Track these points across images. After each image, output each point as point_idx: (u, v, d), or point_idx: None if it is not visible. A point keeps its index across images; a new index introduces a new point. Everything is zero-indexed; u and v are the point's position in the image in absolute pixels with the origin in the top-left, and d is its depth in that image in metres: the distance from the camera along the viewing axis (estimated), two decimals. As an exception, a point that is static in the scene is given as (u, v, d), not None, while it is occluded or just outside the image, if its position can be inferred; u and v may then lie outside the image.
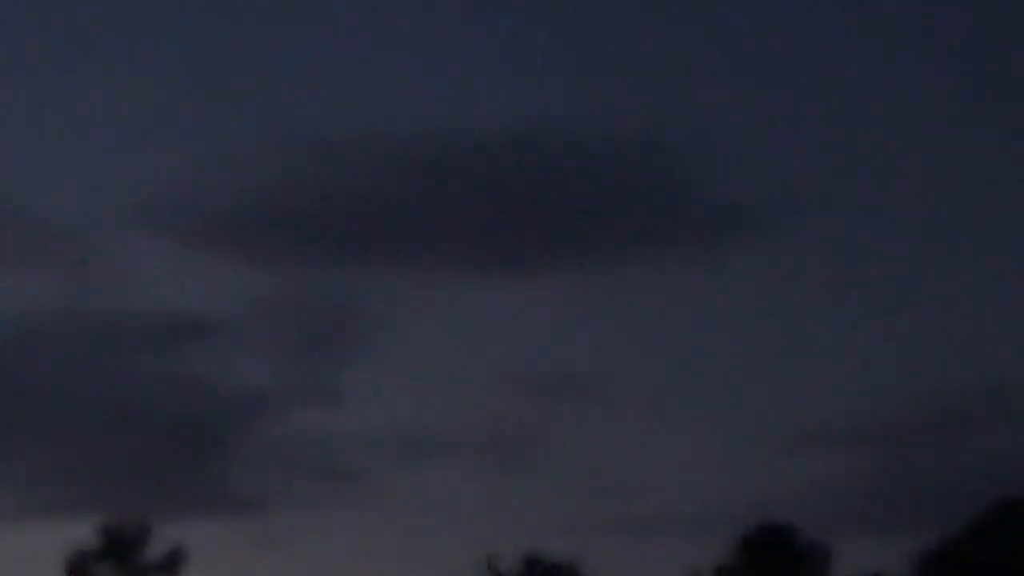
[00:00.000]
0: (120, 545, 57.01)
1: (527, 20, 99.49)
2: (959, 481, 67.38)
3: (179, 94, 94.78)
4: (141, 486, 70.54)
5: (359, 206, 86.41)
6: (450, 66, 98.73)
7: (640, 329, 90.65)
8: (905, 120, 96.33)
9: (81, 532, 57.65)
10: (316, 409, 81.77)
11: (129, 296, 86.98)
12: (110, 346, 79.88)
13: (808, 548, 58.86)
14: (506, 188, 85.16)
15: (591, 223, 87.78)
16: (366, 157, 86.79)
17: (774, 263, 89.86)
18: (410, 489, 75.61)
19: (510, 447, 78.59)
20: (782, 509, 74.85)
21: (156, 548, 57.15)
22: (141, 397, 74.76)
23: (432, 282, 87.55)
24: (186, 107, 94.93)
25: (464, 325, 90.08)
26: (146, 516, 57.97)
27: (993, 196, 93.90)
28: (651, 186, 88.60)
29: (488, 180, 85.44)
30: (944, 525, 57.33)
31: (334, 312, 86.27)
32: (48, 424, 72.73)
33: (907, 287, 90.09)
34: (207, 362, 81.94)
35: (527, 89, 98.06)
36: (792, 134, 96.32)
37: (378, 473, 76.79)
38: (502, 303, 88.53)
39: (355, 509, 74.86)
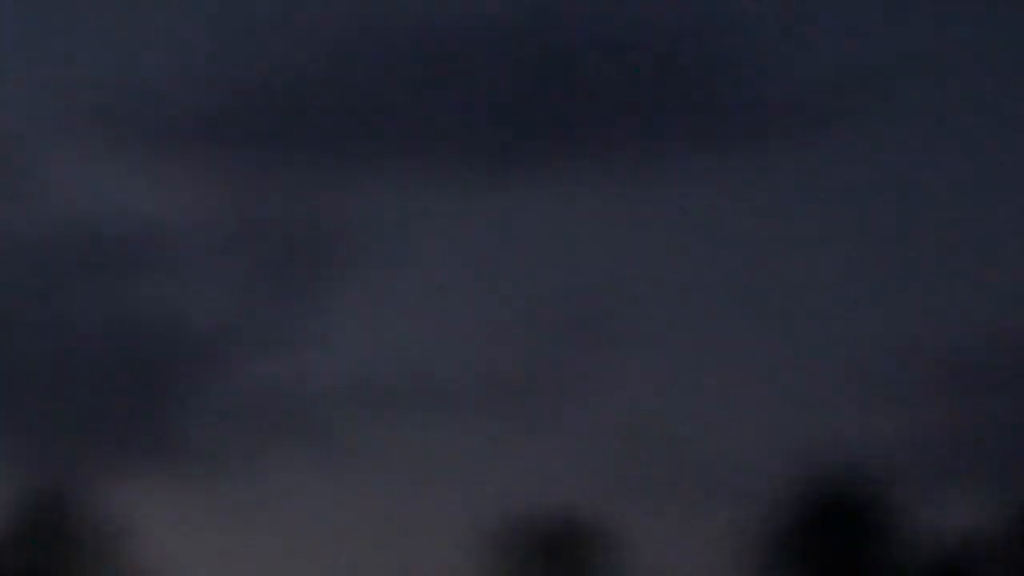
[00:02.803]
0: (40, 519, 47.62)
1: None
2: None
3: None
4: (67, 449, 59.73)
5: (339, 97, 73.56)
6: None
7: (684, 246, 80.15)
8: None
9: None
10: (285, 354, 72.91)
11: (51, 215, 76.88)
12: (31, 276, 68.52)
13: (885, 512, 50.05)
14: (517, 74, 73.20)
15: (619, 115, 76.65)
16: (348, 35, 75.15)
17: (845, 163, 78.87)
18: (400, 449, 65.43)
19: (523, 397, 68.46)
20: (853, 466, 65.30)
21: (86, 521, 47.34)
22: (66, 339, 62.80)
23: (429, 192, 76.70)
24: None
25: (467, 245, 79.40)
26: (73, 484, 48.04)
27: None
28: (695, 69, 76.94)
29: (496, 66, 73.93)
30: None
31: (308, 233, 75.40)
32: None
33: (988, 196, 79.11)
34: (150, 296, 71.57)
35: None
36: (864, 9, 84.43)
37: (361, 431, 66.84)
38: (514, 216, 77.84)
39: (332, 474, 64.44)
